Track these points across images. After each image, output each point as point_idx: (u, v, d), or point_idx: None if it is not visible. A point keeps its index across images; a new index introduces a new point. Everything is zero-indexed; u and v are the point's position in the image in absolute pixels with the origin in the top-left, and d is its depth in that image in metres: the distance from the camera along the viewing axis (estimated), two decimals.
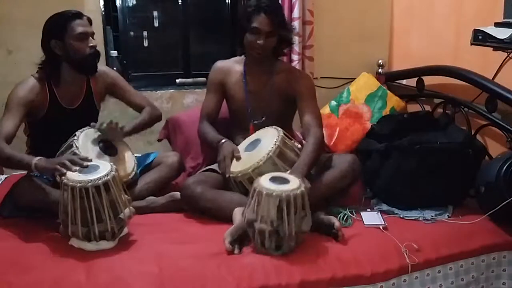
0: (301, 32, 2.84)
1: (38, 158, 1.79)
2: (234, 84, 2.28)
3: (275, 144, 1.98)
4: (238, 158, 2.05)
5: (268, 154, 1.96)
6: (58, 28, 1.99)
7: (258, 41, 2.11)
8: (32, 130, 2.15)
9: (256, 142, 2.09)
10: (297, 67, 2.84)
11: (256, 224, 1.68)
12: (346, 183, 2.05)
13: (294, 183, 1.72)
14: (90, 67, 2.09)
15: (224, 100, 2.36)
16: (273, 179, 1.74)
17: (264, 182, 1.72)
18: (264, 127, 2.18)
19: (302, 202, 1.69)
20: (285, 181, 1.73)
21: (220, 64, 2.35)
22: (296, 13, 2.80)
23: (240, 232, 1.76)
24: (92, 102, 2.20)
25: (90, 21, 2.06)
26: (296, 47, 2.82)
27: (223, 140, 2.14)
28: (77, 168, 1.73)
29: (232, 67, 2.32)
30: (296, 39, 2.79)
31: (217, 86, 2.31)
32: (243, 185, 2.00)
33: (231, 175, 2.02)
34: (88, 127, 2.07)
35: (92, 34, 2.06)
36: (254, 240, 1.72)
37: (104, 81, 2.21)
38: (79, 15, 2.02)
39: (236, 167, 2.03)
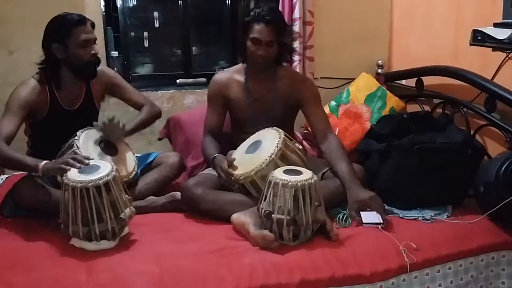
0: (301, 33, 2.84)
1: (44, 162, 1.79)
2: (235, 95, 2.25)
3: (277, 147, 1.97)
4: (232, 162, 2.02)
5: (270, 157, 1.95)
6: (61, 32, 1.99)
7: (258, 52, 2.10)
8: (33, 131, 2.16)
9: (257, 143, 2.09)
10: (297, 67, 2.84)
11: (274, 216, 1.73)
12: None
13: (307, 174, 1.78)
14: (89, 73, 2.10)
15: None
16: (287, 171, 1.80)
17: (279, 174, 1.78)
18: None
19: (316, 192, 1.76)
20: (298, 172, 1.80)
21: (218, 76, 2.31)
22: (296, 13, 2.80)
23: (263, 224, 1.79)
24: (92, 102, 2.21)
25: (93, 26, 2.06)
26: (297, 48, 2.82)
27: (214, 155, 2.10)
28: (80, 165, 1.73)
29: (231, 77, 2.28)
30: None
31: (218, 99, 2.27)
32: (244, 187, 2.01)
33: (233, 177, 2.01)
34: (89, 127, 2.07)
35: (95, 40, 2.06)
36: (271, 232, 1.75)
37: (103, 81, 2.22)
38: (83, 20, 2.01)
39: (238, 170, 2.02)
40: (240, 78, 2.26)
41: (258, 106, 2.24)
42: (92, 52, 2.04)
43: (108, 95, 2.31)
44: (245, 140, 2.22)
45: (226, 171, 1.99)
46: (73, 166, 1.73)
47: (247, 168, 1.98)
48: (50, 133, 2.08)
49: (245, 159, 2.05)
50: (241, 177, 1.98)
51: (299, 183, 1.72)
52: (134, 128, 2.19)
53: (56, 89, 2.08)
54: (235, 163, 2.06)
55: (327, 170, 2.14)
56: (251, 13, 2.12)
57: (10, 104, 1.98)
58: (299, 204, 1.72)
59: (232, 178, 2.00)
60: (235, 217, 1.88)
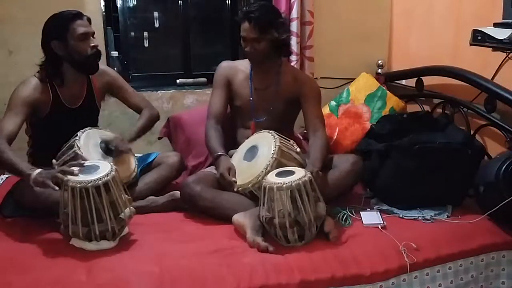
0: (299, 33, 2.84)
1: (37, 171, 1.71)
2: (240, 82, 2.29)
3: (273, 157, 1.96)
4: (234, 176, 2.02)
5: (266, 168, 1.94)
6: (59, 29, 2.00)
7: (246, 49, 2.16)
8: (34, 130, 2.16)
9: (254, 149, 2.08)
10: (295, 67, 2.84)
11: (276, 220, 1.73)
12: (348, 184, 2.09)
13: (299, 173, 1.79)
14: (91, 66, 2.10)
15: None
16: (279, 174, 1.80)
17: (272, 178, 1.78)
18: (266, 126, 2.18)
19: (312, 188, 1.76)
20: (290, 173, 1.80)
21: (226, 62, 2.38)
22: (294, 13, 2.80)
23: (261, 229, 1.79)
24: (94, 101, 2.21)
25: (89, 21, 2.06)
26: (294, 48, 2.82)
27: (219, 154, 2.09)
28: (78, 170, 1.71)
29: (238, 66, 2.33)
30: (294, 39, 2.80)
31: (224, 82, 2.30)
32: (242, 194, 2.02)
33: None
34: (90, 127, 2.08)
35: (93, 33, 2.06)
36: (277, 237, 1.76)
37: (104, 79, 2.22)
38: (79, 15, 2.02)
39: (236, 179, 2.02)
40: (245, 68, 2.31)
41: (260, 96, 2.26)
42: (92, 44, 2.04)
43: (109, 95, 2.31)
44: (244, 132, 2.25)
45: (229, 181, 1.99)
46: (70, 173, 1.68)
47: (245, 179, 1.98)
48: (51, 132, 2.08)
49: (243, 167, 2.05)
50: (239, 188, 1.99)
51: (293, 183, 1.72)
52: (135, 137, 2.18)
53: (58, 86, 2.08)
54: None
55: (327, 161, 2.14)
56: (239, 12, 2.17)
57: (12, 103, 1.98)
58: (298, 204, 1.72)
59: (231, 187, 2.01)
60: (236, 217, 1.88)
